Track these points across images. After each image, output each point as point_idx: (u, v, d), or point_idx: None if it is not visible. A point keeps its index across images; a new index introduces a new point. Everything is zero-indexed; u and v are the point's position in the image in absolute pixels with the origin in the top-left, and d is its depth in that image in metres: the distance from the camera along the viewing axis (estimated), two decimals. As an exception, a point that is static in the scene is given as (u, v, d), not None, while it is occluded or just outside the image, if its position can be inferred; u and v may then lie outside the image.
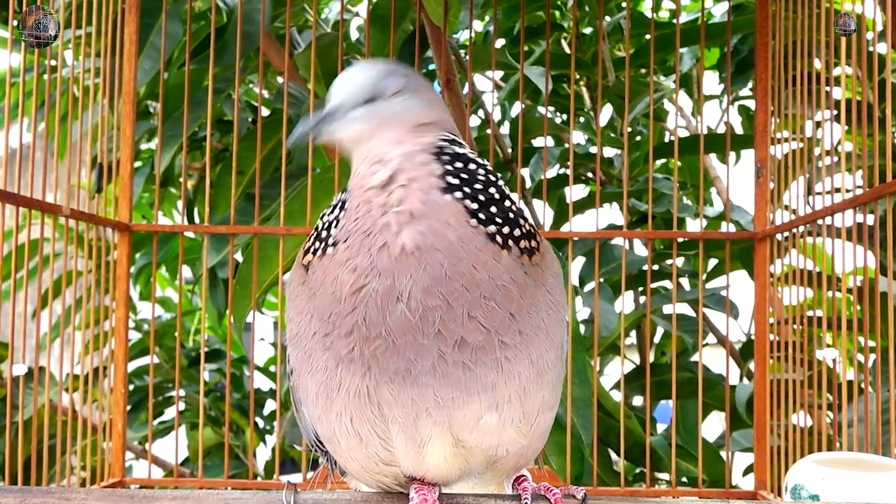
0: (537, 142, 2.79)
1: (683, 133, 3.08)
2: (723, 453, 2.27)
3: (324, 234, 0.98)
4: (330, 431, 1.00)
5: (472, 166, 0.98)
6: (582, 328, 2.21)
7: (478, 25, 2.93)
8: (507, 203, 0.98)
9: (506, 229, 0.95)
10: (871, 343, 1.53)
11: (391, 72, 1.01)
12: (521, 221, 0.98)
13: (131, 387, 2.85)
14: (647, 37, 2.61)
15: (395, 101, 1.00)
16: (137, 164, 2.74)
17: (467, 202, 0.95)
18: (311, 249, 0.99)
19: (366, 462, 1.01)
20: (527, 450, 1.03)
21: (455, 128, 1.05)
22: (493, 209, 0.96)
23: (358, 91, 0.99)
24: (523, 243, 0.96)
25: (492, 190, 0.97)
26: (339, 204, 0.99)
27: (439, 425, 0.95)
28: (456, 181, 0.96)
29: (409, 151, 0.96)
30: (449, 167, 0.96)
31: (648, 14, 2.90)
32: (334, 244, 0.95)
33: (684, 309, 2.71)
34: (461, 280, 0.91)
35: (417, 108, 1.00)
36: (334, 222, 0.97)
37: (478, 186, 0.96)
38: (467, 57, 2.38)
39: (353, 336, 0.93)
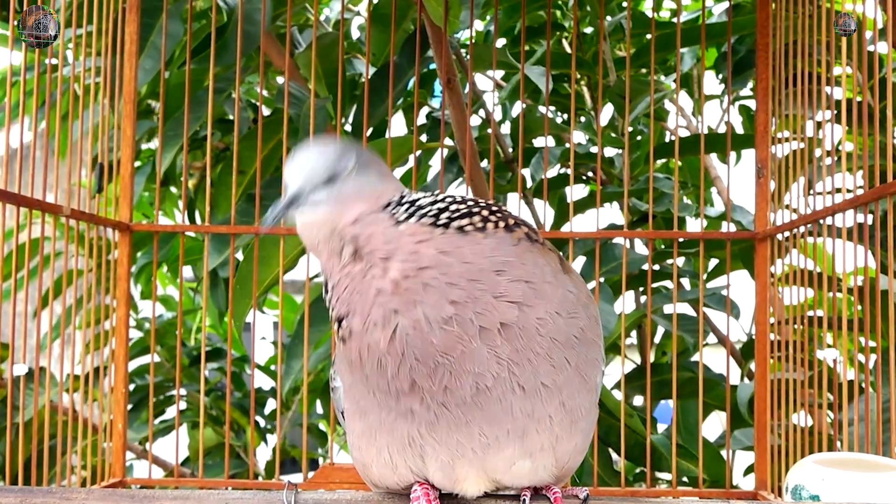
0: (538, 141, 2.79)
1: (684, 133, 3.08)
2: (723, 453, 2.27)
3: (328, 304, 0.98)
4: (366, 459, 1.03)
5: (427, 201, 0.97)
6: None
7: (478, 25, 2.93)
8: (474, 205, 0.97)
9: (471, 218, 0.95)
10: (872, 343, 1.53)
11: (344, 151, 0.99)
12: (476, 208, 0.97)
13: (132, 386, 2.85)
14: (648, 36, 2.61)
15: (352, 178, 0.98)
16: (138, 163, 2.74)
17: (423, 220, 0.94)
18: (331, 315, 0.98)
19: (390, 482, 1.04)
20: (556, 479, 1.05)
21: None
22: (454, 208, 0.96)
23: (316, 174, 0.97)
24: (502, 223, 0.95)
25: (442, 206, 0.96)
26: (324, 285, 0.99)
27: (475, 467, 0.97)
28: (405, 215, 0.95)
29: (360, 215, 0.95)
30: (396, 210, 0.96)
31: (649, 14, 2.90)
32: (339, 322, 0.95)
33: (685, 309, 2.71)
34: (467, 274, 0.91)
35: (374, 182, 0.99)
36: (329, 298, 0.97)
37: (432, 208, 0.96)
38: (468, 56, 2.38)
39: (417, 384, 0.92)
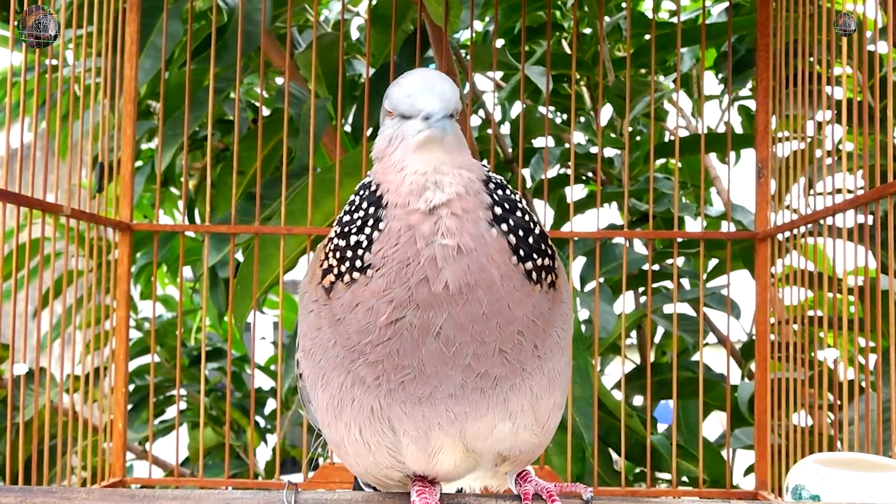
0: (538, 142, 2.79)
1: (684, 133, 3.08)
2: (723, 453, 2.27)
3: (349, 253, 0.93)
4: (338, 438, 1.01)
5: (509, 193, 0.96)
6: (583, 328, 2.21)
7: (478, 25, 2.93)
8: (538, 230, 0.96)
9: (538, 261, 0.94)
10: (872, 343, 1.53)
11: (457, 93, 0.97)
12: (544, 247, 0.96)
13: (132, 386, 2.85)
14: (647, 37, 2.61)
15: (456, 124, 0.96)
16: (138, 163, 2.74)
17: (510, 237, 0.93)
18: (335, 272, 0.95)
19: (371, 467, 1.02)
20: (538, 447, 1.05)
21: None
22: (530, 240, 0.94)
23: (450, 104, 0.93)
24: (549, 277, 0.96)
25: (527, 218, 0.95)
26: (372, 221, 0.93)
27: (451, 436, 0.96)
28: (500, 211, 0.93)
29: (467, 178, 0.93)
30: (496, 196, 0.94)
31: (649, 14, 2.90)
32: (365, 269, 0.92)
33: (685, 309, 2.71)
34: (497, 318, 0.91)
35: (463, 134, 0.99)
36: (364, 242, 0.93)
37: (518, 215, 0.94)
38: (468, 57, 2.38)
39: (382, 365, 0.92)
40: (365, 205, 0.95)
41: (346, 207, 0.98)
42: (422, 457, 0.98)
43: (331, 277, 0.95)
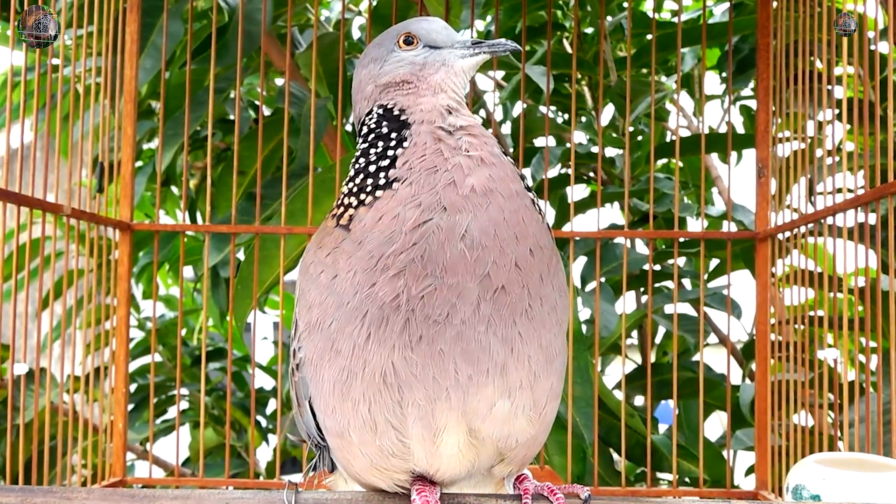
0: (539, 141, 2.79)
1: (685, 133, 3.08)
2: (724, 453, 2.27)
3: (369, 181, 0.99)
4: (342, 424, 1.00)
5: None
6: (583, 328, 2.21)
7: (479, 25, 2.93)
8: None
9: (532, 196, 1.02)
10: (873, 343, 1.53)
11: None
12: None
13: (133, 386, 2.85)
14: (649, 37, 2.61)
15: None
16: (139, 163, 2.74)
17: (511, 161, 1.02)
18: (354, 203, 0.99)
19: (376, 457, 1.00)
20: (534, 441, 1.04)
21: None
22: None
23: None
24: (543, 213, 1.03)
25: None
26: (395, 142, 1.00)
27: (455, 411, 0.96)
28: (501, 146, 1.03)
29: (471, 115, 1.04)
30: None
31: (650, 14, 2.90)
32: (390, 184, 0.97)
33: (686, 309, 2.71)
34: (515, 228, 0.96)
35: None
36: (387, 162, 0.99)
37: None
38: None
39: (404, 280, 0.93)
40: (385, 131, 1.02)
41: (359, 155, 1.03)
42: (427, 436, 0.97)
43: (350, 212, 0.99)
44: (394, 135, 1.01)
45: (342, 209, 1.01)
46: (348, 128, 2.68)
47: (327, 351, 0.98)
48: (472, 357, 0.94)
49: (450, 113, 1.02)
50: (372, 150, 1.01)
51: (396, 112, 1.03)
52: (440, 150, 0.98)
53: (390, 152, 0.99)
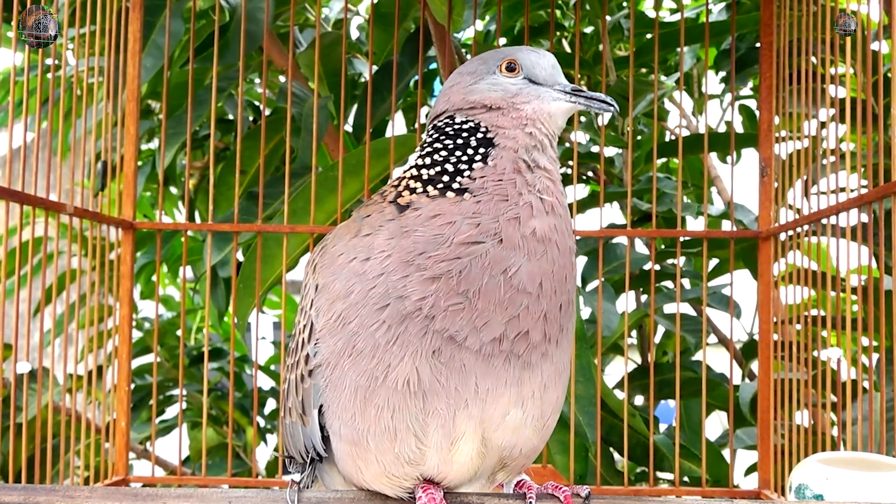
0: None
1: (685, 132, 3.08)
2: (726, 453, 2.27)
3: (445, 178, 0.99)
4: (360, 432, 0.99)
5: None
6: (585, 327, 2.20)
7: (480, 24, 2.93)
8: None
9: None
10: (875, 342, 1.53)
11: None
12: None
13: (132, 386, 2.85)
14: (649, 36, 2.61)
15: None
16: (139, 162, 2.74)
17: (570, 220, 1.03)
18: (419, 189, 0.99)
19: (391, 464, 1.00)
20: (534, 451, 1.06)
21: None
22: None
23: None
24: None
25: None
26: (480, 156, 0.99)
27: (473, 420, 0.97)
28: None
29: (555, 158, 1.04)
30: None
31: (650, 13, 2.90)
32: (461, 190, 0.97)
33: (686, 308, 2.71)
34: (557, 284, 0.97)
35: None
36: (465, 168, 0.99)
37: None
38: (469, 56, 2.38)
39: (436, 285, 0.93)
40: (474, 142, 1.01)
41: (438, 146, 1.03)
42: (445, 444, 0.98)
43: (413, 197, 0.99)
44: (481, 149, 1.00)
45: (405, 190, 1.00)
46: (349, 127, 2.68)
47: (347, 351, 0.98)
48: (492, 372, 0.95)
49: (536, 149, 1.01)
50: (456, 151, 1.01)
51: (483, 129, 1.02)
52: (515, 182, 0.97)
53: (475, 164, 0.99)
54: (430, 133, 1.06)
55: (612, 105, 1.03)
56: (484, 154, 0.99)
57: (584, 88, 1.04)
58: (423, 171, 1.01)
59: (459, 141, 1.02)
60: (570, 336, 1.03)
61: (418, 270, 0.94)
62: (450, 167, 0.99)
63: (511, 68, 1.04)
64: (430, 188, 0.99)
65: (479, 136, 1.01)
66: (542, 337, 0.96)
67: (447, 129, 1.04)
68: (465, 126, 1.03)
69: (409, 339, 0.94)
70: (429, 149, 1.04)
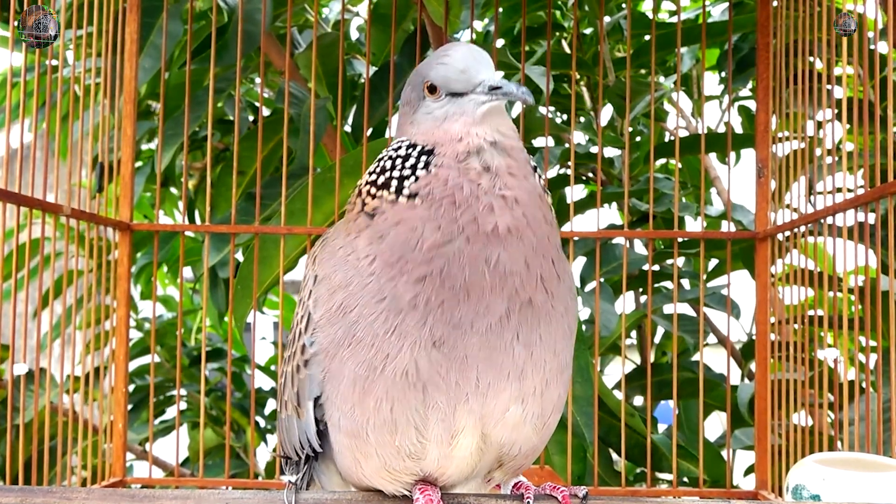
0: (538, 142, 2.79)
1: (684, 133, 3.08)
2: (724, 453, 2.27)
3: (394, 183, 0.99)
4: (359, 423, 0.99)
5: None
6: (583, 328, 2.21)
7: (478, 25, 2.93)
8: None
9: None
10: (873, 343, 1.53)
11: None
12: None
13: (132, 386, 2.85)
14: (648, 37, 2.61)
15: None
16: (138, 163, 2.74)
17: (541, 181, 1.03)
18: (378, 195, 1.00)
19: (391, 458, 1.00)
20: (533, 451, 1.06)
21: None
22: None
23: (496, 71, 1.04)
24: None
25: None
26: (422, 164, 0.99)
27: (473, 414, 0.97)
28: (534, 163, 1.03)
29: (515, 136, 1.03)
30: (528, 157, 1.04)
31: (649, 14, 2.90)
32: (412, 196, 0.98)
33: (685, 309, 2.71)
34: (541, 250, 0.98)
35: None
36: (410, 174, 0.99)
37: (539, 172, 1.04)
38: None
39: (426, 284, 0.94)
40: (415, 154, 1.01)
41: (385, 158, 1.03)
42: (445, 438, 0.98)
43: (375, 202, 1.00)
44: (423, 157, 1.00)
45: (367, 197, 1.01)
46: (348, 128, 2.68)
47: (347, 340, 0.98)
48: (494, 364, 0.96)
49: (481, 152, 0.99)
50: (399, 161, 1.01)
51: (422, 145, 1.02)
52: (462, 187, 0.97)
53: (415, 169, 0.99)
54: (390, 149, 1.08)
55: (524, 95, 0.99)
56: (426, 162, 0.99)
57: (506, 81, 1.00)
58: (376, 178, 1.02)
59: (402, 153, 1.02)
60: (569, 307, 1.03)
61: (402, 273, 0.95)
62: (396, 173, 1.00)
63: (432, 89, 1.03)
64: (384, 192, 0.99)
65: (418, 149, 1.01)
66: (546, 295, 0.98)
67: (391, 148, 1.05)
68: (405, 143, 1.03)
69: (408, 329, 0.95)
70: (378, 162, 1.05)
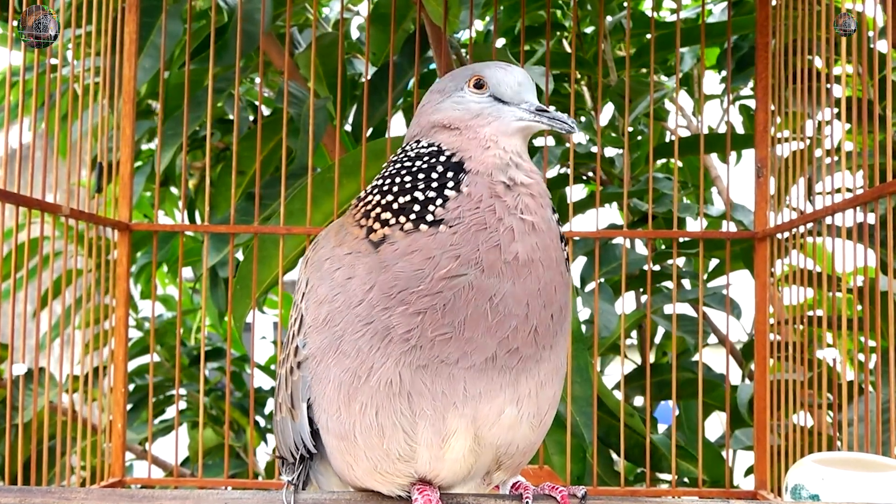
0: (538, 141, 2.79)
1: (684, 133, 3.08)
2: (723, 453, 2.27)
3: (416, 207, 0.95)
4: (347, 427, 0.98)
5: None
6: (583, 328, 2.20)
7: (478, 25, 2.93)
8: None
9: (566, 250, 1.02)
10: (872, 343, 1.53)
11: None
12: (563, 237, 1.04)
13: (131, 386, 2.85)
14: (648, 36, 2.61)
15: None
16: (138, 163, 2.74)
17: (555, 216, 1.01)
18: (391, 222, 0.96)
19: (381, 461, 0.99)
20: (531, 448, 1.05)
21: None
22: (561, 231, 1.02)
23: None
24: (568, 267, 1.03)
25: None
26: (452, 184, 0.96)
27: (465, 418, 0.96)
28: (551, 202, 1.01)
29: (535, 168, 1.01)
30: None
31: (649, 13, 2.90)
32: (436, 223, 0.94)
33: (685, 309, 2.71)
34: (545, 298, 0.96)
35: None
36: (436, 197, 0.95)
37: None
38: (468, 56, 2.38)
39: (421, 318, 0.92)
40: (440, 168, 0.98)
41: (401, 168, 1.01)
42: (436, 441, 0.97)
43: (385, 230, 0.96)
44: (450, 174, 0.97)
45: (376, 223, 0.97)
46: (347, 128, 2.68)
47: (333, 349, 0.97)
48: (483, 380, 0.95)
49: (509, 167, 0.98)
50: (421, 176, 0.98)
51: (449, 153, 0.99)
52: (494, 208, 0.95)
53: (443, 189, 0.96)
54: (396, 154, 1.05)
55: (573, 127, 1.00)
56: (456, 181, 0.97)
57: (552, 108, 1.01)
58: (391, 199, 0.98)
59: (423, 164, 0.99)
60: (565, 335, 1.02)
61: (401, 305, 0.93)
62: (419, 195, 0.96)
63: (479, 85, 1.02)
64: (401, 219, 0.96)
65: (444, 159, 0.99)
66: (535, 349, 0.96)
67: (409, 153, 1.02)
68: (426, 149, 1.01)
69: (393, 352, 0.94)
70: (392, 170, 1.01)
